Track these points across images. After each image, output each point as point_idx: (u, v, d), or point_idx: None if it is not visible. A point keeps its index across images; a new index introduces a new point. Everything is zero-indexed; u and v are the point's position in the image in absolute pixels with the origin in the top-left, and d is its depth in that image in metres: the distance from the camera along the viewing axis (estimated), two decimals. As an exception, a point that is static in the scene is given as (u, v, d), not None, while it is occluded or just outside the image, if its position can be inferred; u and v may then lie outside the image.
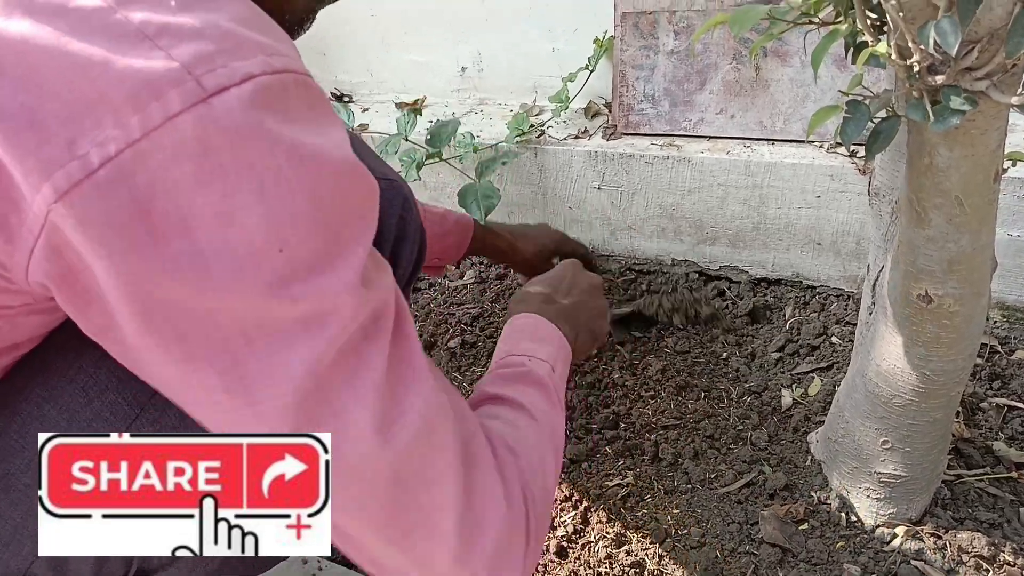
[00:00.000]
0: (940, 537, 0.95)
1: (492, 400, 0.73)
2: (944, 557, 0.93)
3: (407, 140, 1.44)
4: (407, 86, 1.79)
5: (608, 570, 0.98)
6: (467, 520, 0.56)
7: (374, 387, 0.50)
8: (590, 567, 0.98)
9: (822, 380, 1.19)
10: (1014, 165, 0.81)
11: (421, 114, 1.58)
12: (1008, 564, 0.91)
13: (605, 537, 1.01)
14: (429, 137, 1.42)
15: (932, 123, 0.60)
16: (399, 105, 1.75)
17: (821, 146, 1.31)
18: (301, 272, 0.45)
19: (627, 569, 0.97)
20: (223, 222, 0.43)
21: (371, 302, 0.50)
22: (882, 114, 0.66)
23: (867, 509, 0.97)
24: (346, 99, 1.84)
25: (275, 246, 0.44)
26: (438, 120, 1.50)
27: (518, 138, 1.45)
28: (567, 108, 1.47)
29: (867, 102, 0.65)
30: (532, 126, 1.47)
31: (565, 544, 1.02)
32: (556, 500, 1.07)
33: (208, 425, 0.49)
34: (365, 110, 1.77)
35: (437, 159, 1.44)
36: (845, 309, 1.33)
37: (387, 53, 1.76)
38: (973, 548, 0.93)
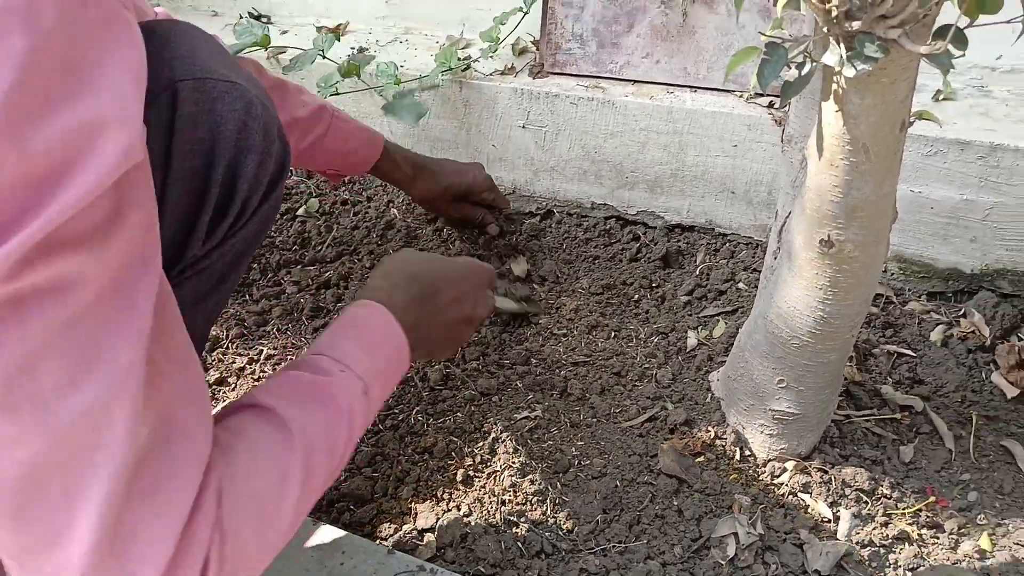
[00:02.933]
0: (826, 472, 1.00)
1: (255, 410, 0.63)
2: (828, 491, 0.99)
3: (324, 57, 1.41)
4: (330, 10, 1.73)
5: (512, 498, 1.00)
6: (105, 552, 0.47)
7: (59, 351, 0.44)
8: (494, 495, 1.01)
9: (726, 323, 1.24)
10: (919, 120, 0.84)
11: (340, 40, 1.52)
12: (885, 497, 0.98)
13: (511, 467, 1.04)
14: (350, 61, 1.39)
15: (845, 68, 0.62)
16: (319, 29, 1.69)
17: (741, 96, 1.34)
18: None
19: (530, 497, 1.00)
20: None
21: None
22: (799, 59, 0.68)
23: (760, 444, 1.02)
24: (264, 19, 1.77)
25: None
26: (359, 47, 1.46)
27: (444, 73, 1.42)
28: (497, 50, 1.44)
29: (785, 45, 0.66)
30: (459, 60, 1.45)
31: (471, 473, 1.04)
32: (464, 432, 1.09)
33: None
34: (284, 32, 1.70)
35: (356, 76, 1.40)
36: (753, 257, 1.38)
37: (310, -27, 1.70)
38: (855, 482, 0.99)
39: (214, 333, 1.27)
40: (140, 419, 0.48)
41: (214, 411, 0.61)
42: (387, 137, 1.26)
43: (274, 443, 0.60)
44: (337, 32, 1.67)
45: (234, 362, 1.23)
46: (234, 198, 0.73)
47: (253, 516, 0.56)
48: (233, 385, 1.20)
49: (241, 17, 1.75)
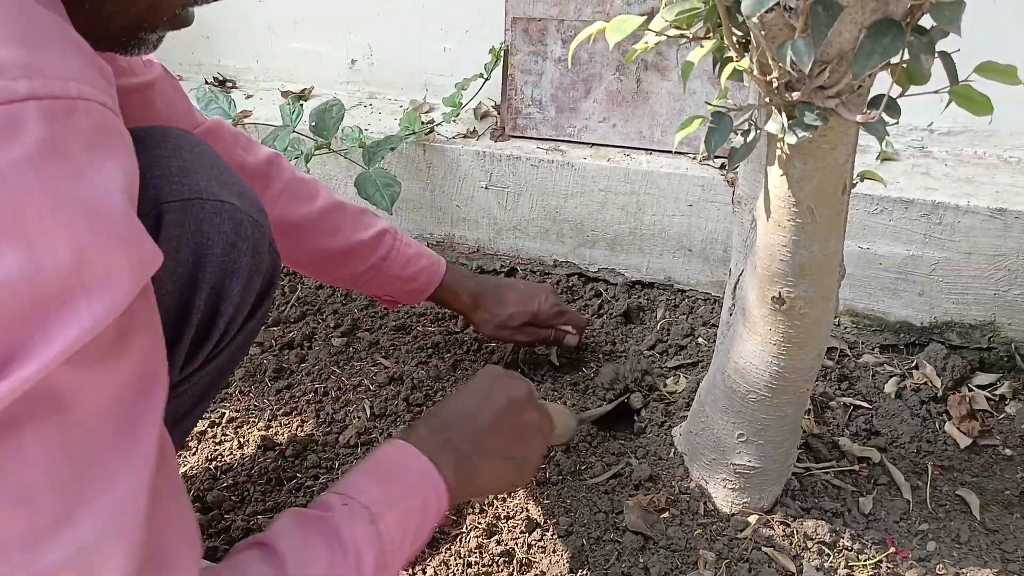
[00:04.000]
0: (789, 525, 1.02)
1: (255, 547, 0.62)
2: (791, 543, 1.00)
3: (295, 132, 1.42)
4: (294, 75, 1.76)
5: (478, 559, 0.99)
6: None
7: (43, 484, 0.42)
8: (460, 557, 1.00)
9: (687, 377, 1.26)
10: (862, 180, 0.88)
11: (306, 99, 1.55)
12: (846, 549, 0.99)
13: (477, 528, 1.03)
14: (314, 124, 1.40)
15: (787, 136, 0.66)
16: (285, 94, 1.72)
17: (694, 158, 1.38)
18: None
19: (496, 558, 0.99)
20: None
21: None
22: (745, 127, 0.71)
23: (723, 498, 1.03)
24: (229, 84, 1.79)
25: None
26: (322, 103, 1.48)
27: (408, 136, 1.45)
28: (459, 114, 1.48)
29: (730, 114, 0.70)
30: (422, 123, 1.48)
31: (436, 535, 1.03)
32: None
33: None
34: (249, 97, 1.73)
35: (326, 150, 1.42)
36: (711, 312, 1.41)
37: (275, 40, 1.73)
38: (817, 535, 1.00)
39: (175, 397, 1.26)
40: (134, 556, 0.46)
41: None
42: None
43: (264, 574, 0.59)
44: (303, 96, 1.70)
45: (196, 425, 1.22)
46: (217, 321, 0.70)
47: None
48: (194, 449, 1.18)
49: (207, 82, 1.78)
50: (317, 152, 1.41)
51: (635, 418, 1.20)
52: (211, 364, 0.73)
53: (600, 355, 1.34)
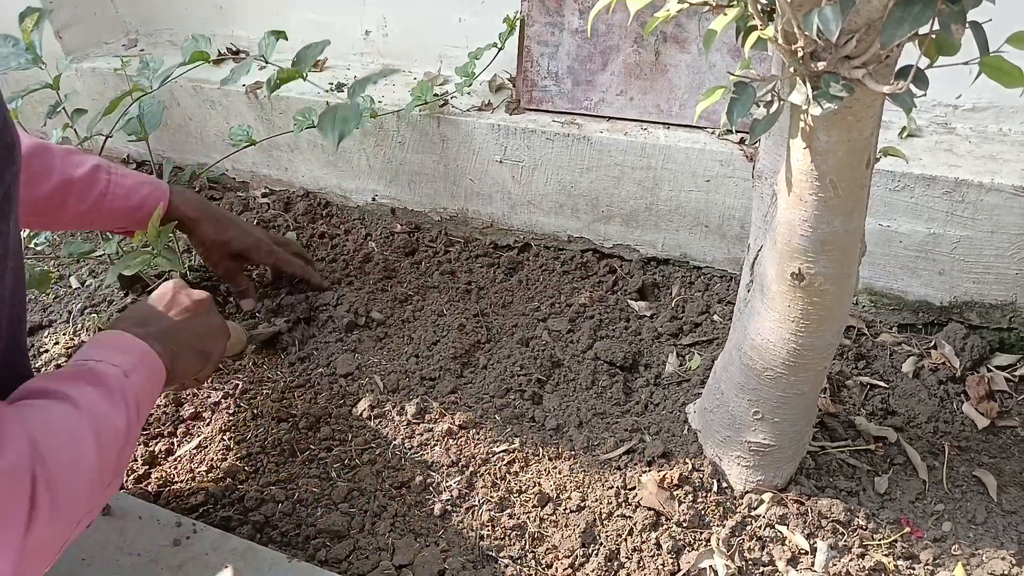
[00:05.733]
0: (803, 503, 1.01)
1: (34, 394, 0.74)
2: (805, 522, 0.99)
3: (268, 63, 1.40)
4: (309, 46, 1.75)
5: (490, 532, 1.00)
6: None
7: None
8: (473, 530, 1.00)
9: (701, 355, 1.25)
10: (885, 157, 0.87)
11: (287, 38, 1.49)
12: (861, 528, 0.99)
13: (489, 501, 1.03)
14: (295, 60, 1.36)
15: (812, 107, 0.64)
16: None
17: (713, 132, 1.36)
18: None
19: (509, 532, 0.99)
20: None
21: None
22: (767, 98, 0.70)
23: (737, 476, 1.03)
24: (242, 55, 1.78)
25: None
26: (338, 82, 1.46)
27: (420, 107, 1.44)
28: (472, 84, 1.46)
29: (753, 84, 0.68)
30: (436, 95, 1.46)
31: (449, 508, 1.03)
32: (442, 466, 1.08)
33: None
34: (262, 68, 1.71)
35: (300, 78, 1.37)
36: (727, 289, 1.40)
37: (288, 10, 1.71)
38: (831, 514, 0.99)
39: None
40: None
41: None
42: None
43: (61, 409, 0.73)
44: (318, 68, 1.69)
45: (209, 397, 1.22)
46: None
47: (63, 468, 0.69)
48: (208, 420, 1.18)
49: (220, 53, 1.76)
50: (286, 84, 1.38)
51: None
52: None
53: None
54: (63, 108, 1.45)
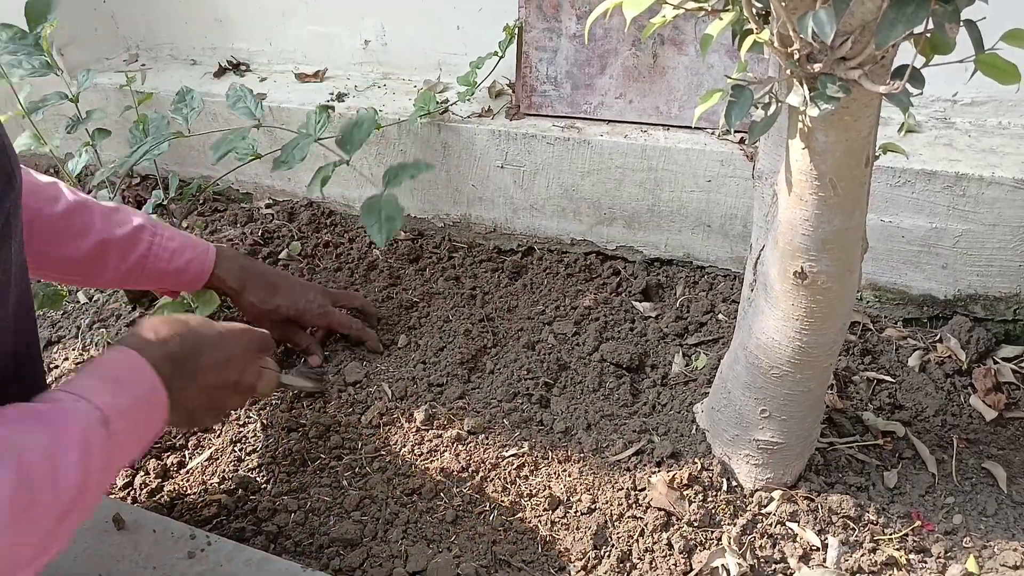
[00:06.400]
0: (813, 500, 1.01)
1: None
2: (816, 518, 1.00)
3: (319, 143, 1.37)
4: (308, 57, 1.76)
5: (502, 537, 1.00)
6: None
7: None
8: (485, 535, 1.01)
9: (707, 355, 1.25)
10: (884, 153, 0.87)
11: (333, 111, 1.47)
12: (872, 523, 0.99)
13: (500, 506, 1.04)
14: (340, 137, 1.33)
15: (809, 108, 0.65)
16: (299, 76, 1.72)
17: (712, 133, 1.37)
18: None
19: (521, 536, 1.00)
20: None
21: None
22: (765, 100, 0.70)
23: (747, 474, 1.03)
24: (243, 68, 1.79)
25: None
26: (338, 93, 1.46)
27: (423, 116, 1.45)
28: (474, 93, 1.47)
29: (750, 87, 0.69)
30: (437, 103, 1.47)
31: (461, 513, 1.04)
32: (452, 471, 1.09)
33: None
34: (263, 80, 1.73)
35: (345, 166, 1.35)
36: (731, 288, 1.40)
37: (288, 22, 1.72)
38: (842, 510, 1.00)
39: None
40: None
41: None
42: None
43: None
44: (318, 78, 1.70)
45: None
46: None
47: None
48: (218, 431, 1.19)
49: (220, 66, 1.78)
50: (327, 136, 1.37)
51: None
52: None
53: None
54: (86, 129, 1.46)
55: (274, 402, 1.22)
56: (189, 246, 1.18)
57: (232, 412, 1.06)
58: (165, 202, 1.60)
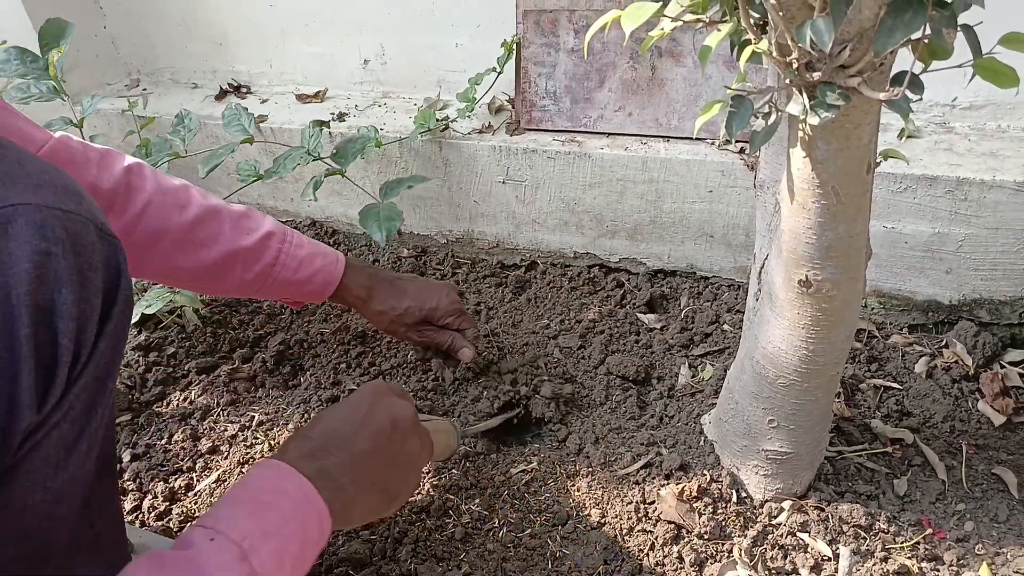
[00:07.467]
0: (823, 510, 1.01)
1: None
2: (827, 528, 0.99)
3: (313, 155, 1.41)
4: (308, 78, 1.77)
5: (512, 554, 1.00)
6: None
7: None
8: (494, 552, 1.00)
9: (713, 365, 1.25)
10: (885, 159, 0.87)
11: (322, 100, 1.53)
12: (883, 531, 0.98)
13: (509, 522, 1.04)
14: (335, 152, 1.39)
15: (810, 117, 0.65)
16: (299, 97, 1.73)
17: (713, 143, 1.37)
18: None
19: (531, 552, 0.99)
20: None
21: None
22: (765, 109, 0.71)
23: (756, 485, 1.03)
24: (243, 90, 1.80)
25: None
26: (339, 112, 1.48)
27: (424, 134, 1.45)
28: (473, 109, 1.48)
29: (750, 97, 0.69)
30: (438, 120, 1.48)
31: (470, 530, 1.03)
32: (460, 488, 1.09)
33: None
34: (264, 101, 1.74)
35: (340, 175, 1.41)
36: (736, 298, 1.40)
37: (287, 44, 1.73)
38: (852, 518, 0.99)
39: (205, 402, 1.27)
40: None
41: None
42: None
43: None
44: (319, 98, 1.71)
45: (226, 430, 1.23)
46: (59, 341, 0.57)
47: None
48: (225, 453, 1.19)
49: (221, 89, 1.79)
50: (328, 176, 1.41)
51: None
52: (76, 387, 0.60)
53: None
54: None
55: (281, 422, 1.22)
56: (319, 254, 1.12)
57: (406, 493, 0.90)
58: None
